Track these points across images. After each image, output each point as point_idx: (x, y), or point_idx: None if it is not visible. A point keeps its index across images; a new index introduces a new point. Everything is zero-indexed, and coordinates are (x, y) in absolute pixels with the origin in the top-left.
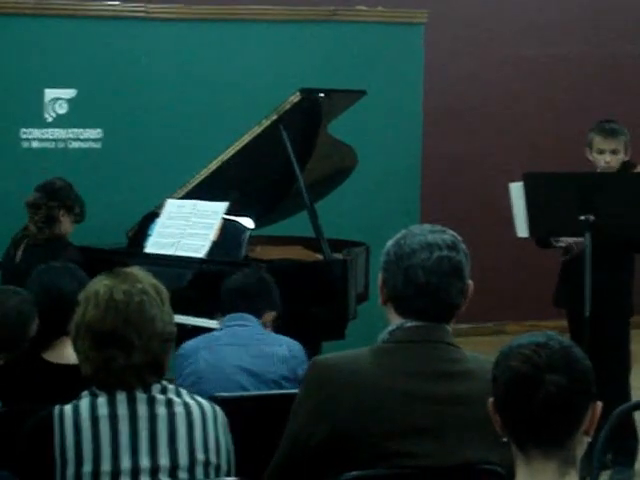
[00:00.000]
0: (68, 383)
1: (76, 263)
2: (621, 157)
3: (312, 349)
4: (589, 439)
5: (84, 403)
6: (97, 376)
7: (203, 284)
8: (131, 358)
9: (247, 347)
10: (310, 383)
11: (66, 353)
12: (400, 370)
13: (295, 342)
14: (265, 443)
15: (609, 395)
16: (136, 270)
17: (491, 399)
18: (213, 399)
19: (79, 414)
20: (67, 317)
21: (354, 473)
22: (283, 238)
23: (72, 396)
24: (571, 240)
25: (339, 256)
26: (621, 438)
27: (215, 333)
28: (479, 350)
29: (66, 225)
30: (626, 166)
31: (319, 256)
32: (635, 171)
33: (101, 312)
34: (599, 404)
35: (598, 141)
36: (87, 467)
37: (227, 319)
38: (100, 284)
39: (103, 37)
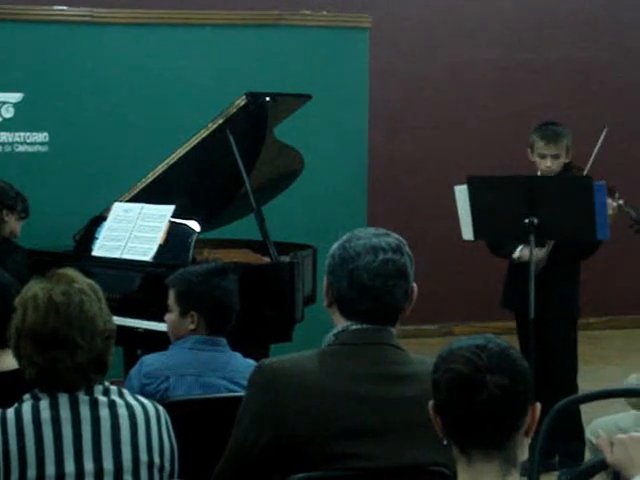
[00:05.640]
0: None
1: (23, 265)
2: (562, 160)
3: (260, 352)
4: (529, 440)
5: (26, 407)
6: (43, 379)
7: (150, 287)
8: (76, 358)
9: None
10: (255, 386)
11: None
12: (345, 372)
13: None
14: (213, 446)
15: (557, 396)
16: (70, 271)
17: (431, 402)
18: (161, 402)
19: (21, 418)
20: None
21: (301, 475)
22: (230, 241)
23: (7, 404)
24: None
25: (286, 259)
26: (568, 440)
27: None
28: (426, 352)
29: (12, 224)
30: (567, 167)
31: (266, 259)
32: (575, 172)
33: (41, 315)
34: (538, 405)
35: (540, 146)
36: (31, 471)
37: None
38: (37, 287)
39: (49, 41)
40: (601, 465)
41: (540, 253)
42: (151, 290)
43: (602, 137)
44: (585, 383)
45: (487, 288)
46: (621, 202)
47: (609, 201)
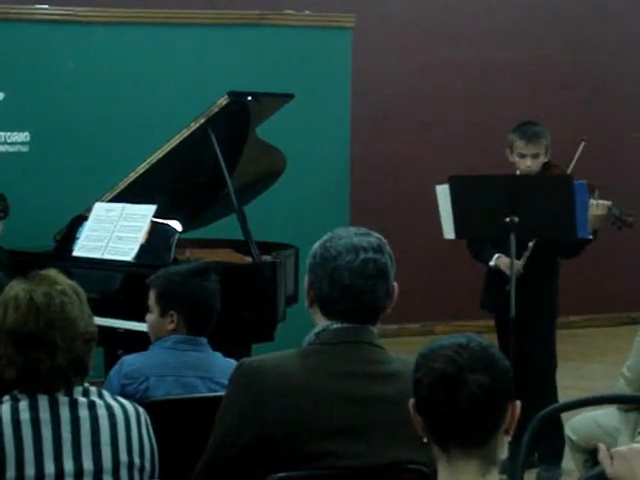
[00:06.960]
0: None
1: (4, 265)
2: (542, 160)
3: (242, 352)
4: (509, 438)
5: (5, 408)
6: (22, 379)
7: (131, 287)
8: (55, 360)
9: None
10: (236, 385)
11: None
12: (326, 371)
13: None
14: (194, 446)
15: (536, 394)
16: (52, 272)
17: (412, 400)
18: (141, 402)
19: (1, 419)
20: None
21: (281, 474)
22: (212, 241)
23: None
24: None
25: (268, 258)
26: (547, 437)
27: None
28: (407, 350)
29: None
30: (546, 167)
31: (248, 259)
32: (555, 171)
33: (22, 315)
34: (518, 403)
35: (519, 145)
36: (10, 472)
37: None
38: (18, 288)
39: (31, 40)
40: (600, 478)
41: (517, 264)
42: (132, 290)
43: (579, 150)
44: (566, 380)
45: (468, 287)
46: (609, 203)
47: (595, 201)
